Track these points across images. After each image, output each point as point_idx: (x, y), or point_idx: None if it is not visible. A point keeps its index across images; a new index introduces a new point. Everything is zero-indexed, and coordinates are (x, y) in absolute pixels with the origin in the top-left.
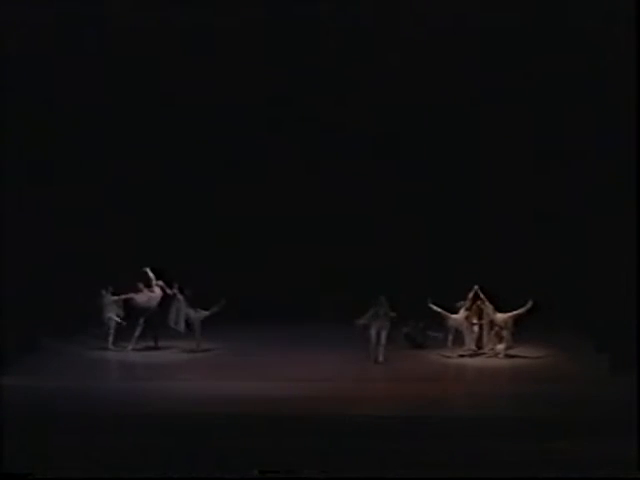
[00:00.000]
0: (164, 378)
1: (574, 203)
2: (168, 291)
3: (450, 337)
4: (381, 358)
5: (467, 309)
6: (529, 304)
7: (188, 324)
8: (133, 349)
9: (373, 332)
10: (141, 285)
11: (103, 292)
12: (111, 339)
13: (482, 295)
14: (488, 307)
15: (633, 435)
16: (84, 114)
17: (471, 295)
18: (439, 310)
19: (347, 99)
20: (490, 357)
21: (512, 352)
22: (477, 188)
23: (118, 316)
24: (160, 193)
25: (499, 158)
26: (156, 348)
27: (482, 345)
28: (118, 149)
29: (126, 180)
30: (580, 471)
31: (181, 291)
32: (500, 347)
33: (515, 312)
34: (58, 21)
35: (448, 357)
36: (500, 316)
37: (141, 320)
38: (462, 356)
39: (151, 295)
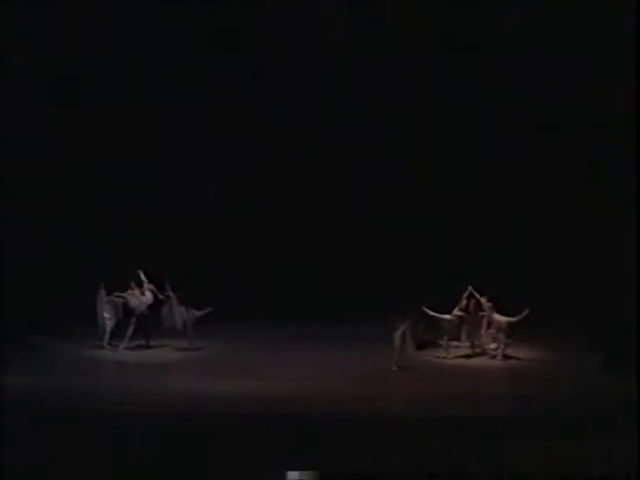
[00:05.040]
0: (157, 377)
1: (571, 204)
2: (160, 296)
3: (445, 338)
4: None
5: (461, 309)
6: (525, 312)
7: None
8: (125, 348)
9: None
10: (133, 284)
11: (100, 292)
12: (107, 338)
13: (477, 295)
14: (485, 305)
15: (633, 435)
16: (83, 112)
17: (465, 295)
18: (433, 314)
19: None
20: (485, 358)
21: (508, 353)
22: (476, 188)
23: (117, 316)
24: (156, 190)
25: (497, 159)
26: (147, 347)
27: (478, 342)
28: (114, 145)
29: (120, 178)
30: (580, 471)
31: (173, 291)
32: (492, 346)
33: (512, 318)
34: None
35: (444, 358)
36: (497, 317)
37: (132, 319)
38: (458, 357)
39: (142, 299)
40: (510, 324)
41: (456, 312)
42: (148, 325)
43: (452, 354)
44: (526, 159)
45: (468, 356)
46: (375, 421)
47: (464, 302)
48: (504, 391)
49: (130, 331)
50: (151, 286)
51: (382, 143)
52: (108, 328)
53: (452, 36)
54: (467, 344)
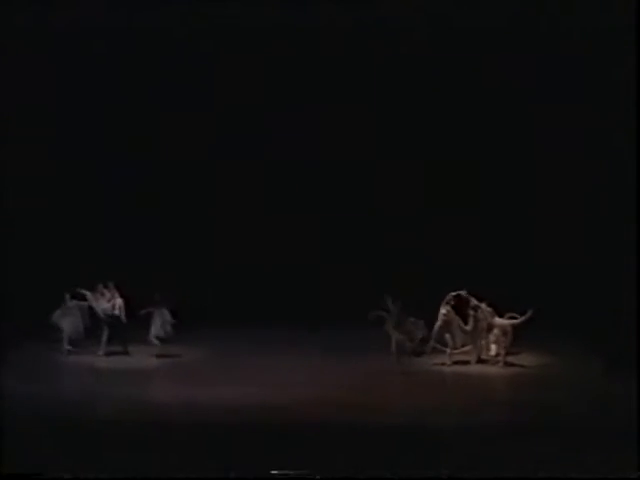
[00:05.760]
0: (135, 383)
1: (571, 204)
2: (122, 316)
3: (449, 345)
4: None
5: (447, 302)
6: (529, 314)
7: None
8: (104, 354)
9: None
10: (101, 287)
11: (67, 297)
12: (65, 341)
13: (474, 300)
14: (485, 311)
15: (633, 435)
16: (73, 117)
17: (451, 296)
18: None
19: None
20: (486, 365)
21: (509, 358)
22: (476, 188)
23: (83, 321)
24: (151, 191)
25: (496, 161)
26: (125, 352)
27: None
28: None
29: (114, 180)
30: (580, 471)
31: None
32: (493, 352)
33: (515, 320)
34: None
35: (443, 364)
36: (500, 321)
37: (104, 325)
38: (456, 363)
39: (106, 305)
40: (514, 327)
41: (443, 312)
42: (123, 331)
43: (451, 360)
44: (526, 159)
45: (468, 363)
46: (372, 428)
47: (450, 297)
48: (505, 398)
49: (104, 337)
50: (120, 301)
51: (381, 143)
52: (67, 333)
53: (452, 35)
54: (466, 349)
